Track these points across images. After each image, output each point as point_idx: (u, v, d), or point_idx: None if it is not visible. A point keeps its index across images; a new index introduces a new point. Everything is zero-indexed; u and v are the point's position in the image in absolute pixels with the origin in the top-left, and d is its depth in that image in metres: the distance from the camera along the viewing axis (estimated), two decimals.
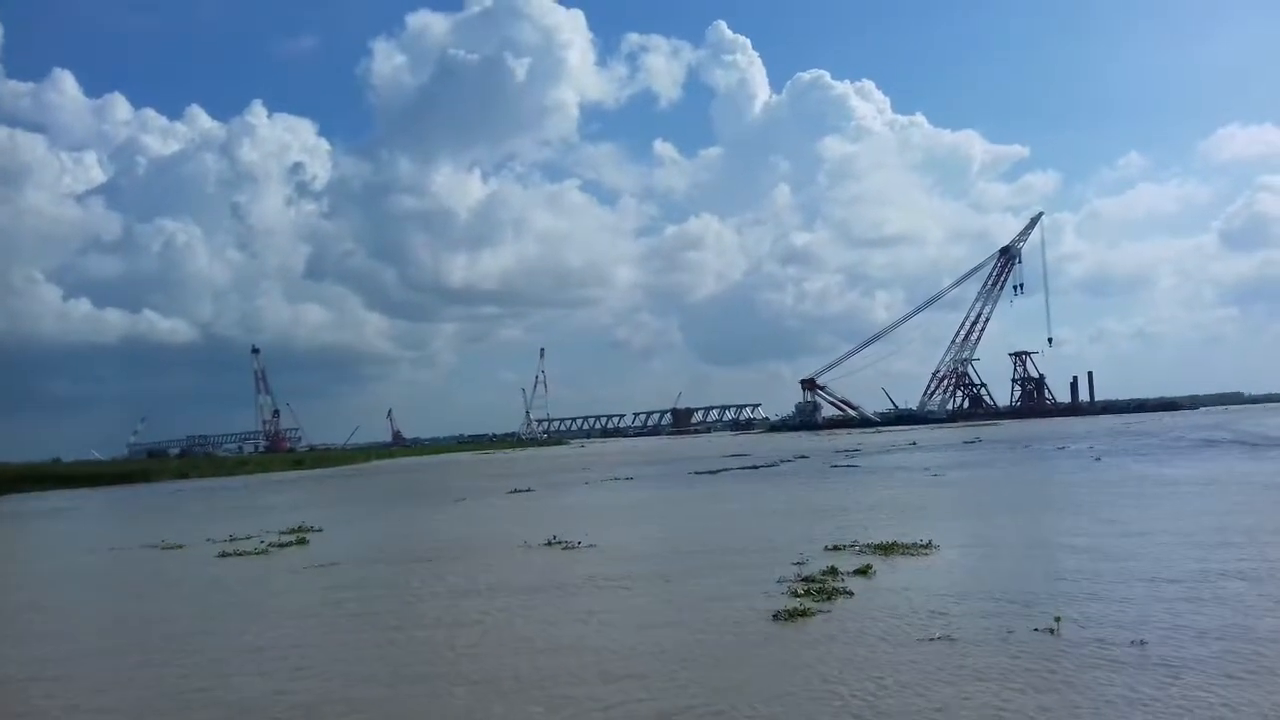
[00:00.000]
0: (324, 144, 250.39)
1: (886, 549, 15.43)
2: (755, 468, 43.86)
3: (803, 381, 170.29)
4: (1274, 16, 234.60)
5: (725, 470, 42.60)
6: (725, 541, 17.90)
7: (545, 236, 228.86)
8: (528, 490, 35.54)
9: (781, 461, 48.36)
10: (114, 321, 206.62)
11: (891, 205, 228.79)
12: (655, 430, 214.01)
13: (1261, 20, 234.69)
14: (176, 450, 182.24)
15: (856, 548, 15.80)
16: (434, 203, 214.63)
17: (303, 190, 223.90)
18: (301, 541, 21.27)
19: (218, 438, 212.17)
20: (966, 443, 63.55)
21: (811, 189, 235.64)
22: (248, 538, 22.13)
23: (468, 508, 30.22)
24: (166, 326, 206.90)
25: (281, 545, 20.71)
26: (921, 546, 15.51)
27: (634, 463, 59.73)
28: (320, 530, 23.58)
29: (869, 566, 13.79)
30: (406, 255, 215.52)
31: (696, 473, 41.85)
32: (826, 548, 15.90)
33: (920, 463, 41.28)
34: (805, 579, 13.07)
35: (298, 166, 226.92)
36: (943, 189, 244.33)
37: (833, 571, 13.49)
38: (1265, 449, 39.00)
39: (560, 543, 18.48)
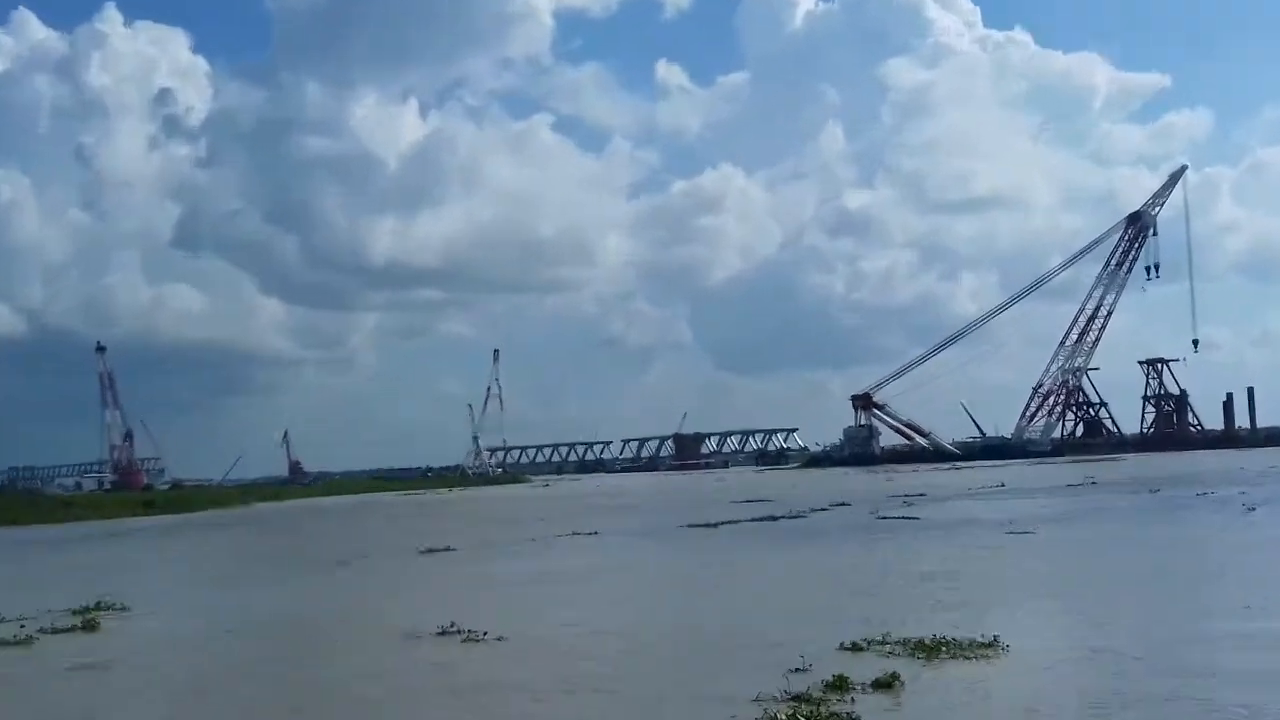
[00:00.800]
0: (201, 63, 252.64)
1: (929, 649, 14.29)
2: (773, 519, 42.77)
3: (855, 398, 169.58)
4: None
5: (731, 523, 41.48)
6: (697, 634, 16.89)
7: (506, 194, 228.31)
8: (447, 550, 34.55)
9: (812, 511, 47.24)
10: None
11: (982, 155, 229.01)
12: (652, 463, 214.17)
13: None
14: None
15: (886, 646, 14.67)
16: (353, 146, 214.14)
17: (172, 127, 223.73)
18: (90, 626, 20.04)
19: (49, 469, 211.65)
20: (1073, 486, 62.67)
21: (872, 131, 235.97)
22: (19, 619, 20.85)
23: (353, 576, 29.39)
24: None
25: (58, 631, 19.48)
26: (982, 646, 14.31)
27: (609, 509, 58.79)
28: (126, 609, 22.38)
29: (895, 677, 12.58)
30: (314, 218, 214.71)
31: (690, 526, 40.71)
32: (843, 645, 14.76)
33: (1004, 514, 40.17)
34: (796, 698, 11.84)
35: (165, 94, 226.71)
36: (1053, 133, 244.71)
37: (841, 684, 12.29)
38: None
39: (461, 632, 17.37)
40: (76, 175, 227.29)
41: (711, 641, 16.12)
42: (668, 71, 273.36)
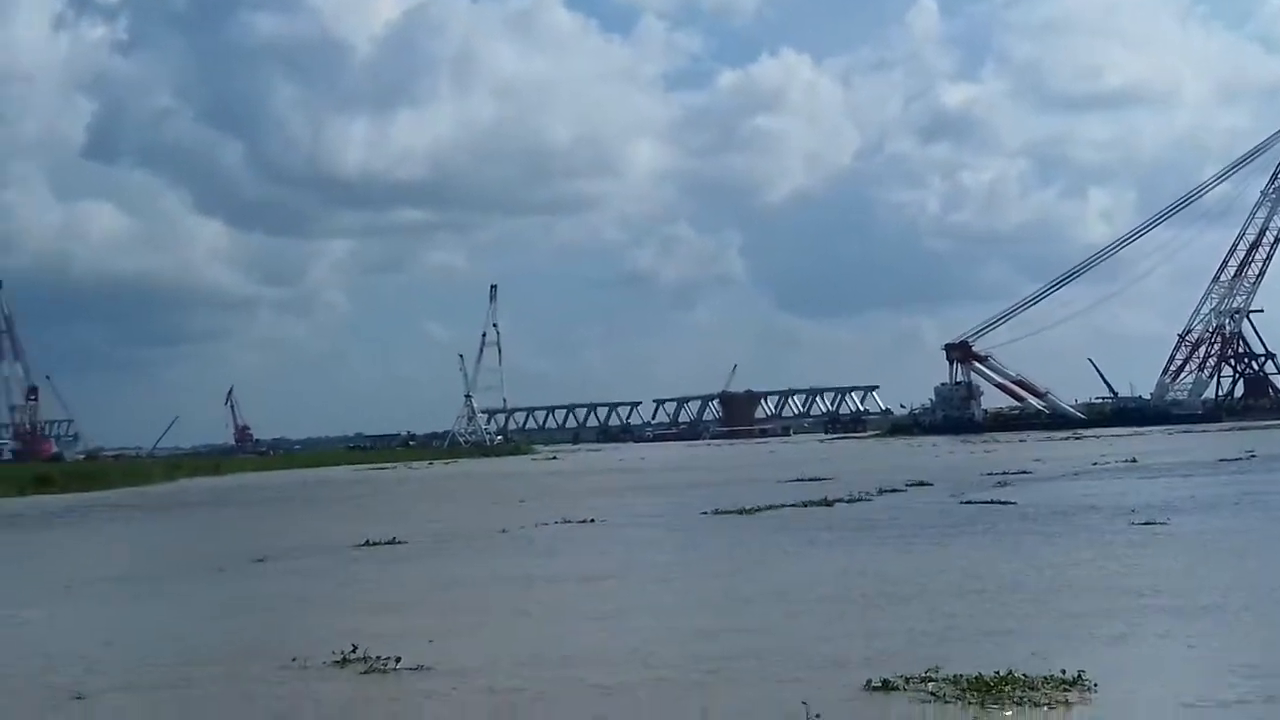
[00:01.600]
0: None
1: (987, 689, 13.20)
2: (826, 504, 41.68)
3: (949, 348, 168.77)
4: None
5: (772, 509, 40.52)
6: (681, 667, 15.80)
7: (508, 88, 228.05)
8: (391, 544, 33.90)
9: (881, 492, 46.29)
10: None
11: (1117, 36, 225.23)
12: (693, 429, 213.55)
13: None
14: None
15: (929, 684, 13.60)
16: (313, 27, 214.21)
17: (84, 2, 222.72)
18: None
19: None
20: (1227, 461, 61.38)
21: (976, 7, 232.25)
22: None
23: (259, 579, 28.59)
24: None
25: None
26: (1060, 685, 13.20)
27: (621, 489, 58.86)
28: None
29: None
30: (266, 119, 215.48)
31: (716, 513, 39.93)
32: (870, 684, 13.76)
33: (1130, 499, 38.93)
34: None
35: None
36: (1209, 8, 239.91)
37: None
38: None
39: (366, 660, 16.41)
40: None
41: (698, 678, 15.05)
42: None
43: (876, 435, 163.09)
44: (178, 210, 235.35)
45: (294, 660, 16.79)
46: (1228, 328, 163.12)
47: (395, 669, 15.94)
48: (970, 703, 12.78)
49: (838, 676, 14.30)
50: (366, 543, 33.78)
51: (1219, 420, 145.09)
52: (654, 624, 19.72)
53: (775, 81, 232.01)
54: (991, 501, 39.32)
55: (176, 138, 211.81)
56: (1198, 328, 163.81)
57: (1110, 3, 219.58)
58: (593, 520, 39.14)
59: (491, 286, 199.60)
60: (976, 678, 13.47)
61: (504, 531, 36.96)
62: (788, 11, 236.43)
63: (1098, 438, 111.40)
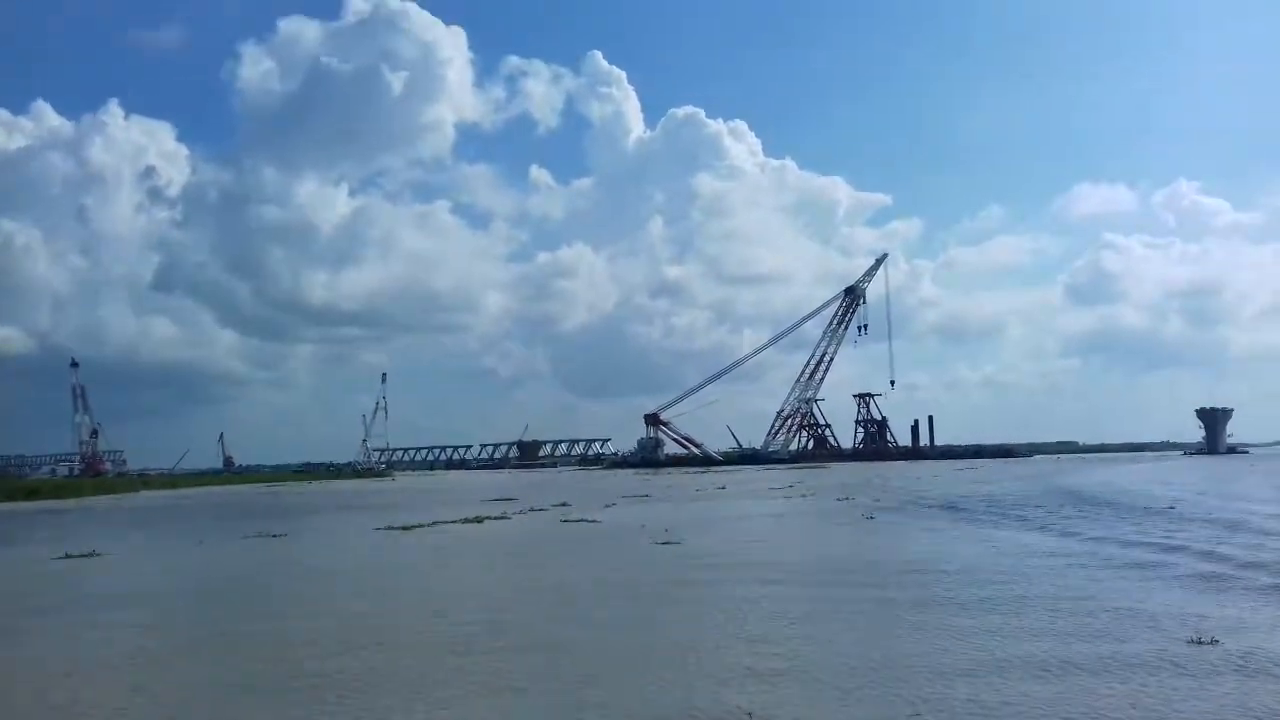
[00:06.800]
0: (182, 149, 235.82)
1: None
2: (477, 521, 34.15)
3: (646, 416, 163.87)
4: (1135, 78, 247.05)
5: (435, 525, 32.96)
6: None
7: (413, 257, 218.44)
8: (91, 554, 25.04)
9: (532, 510, 39.12)
10: None
11: (762, 244, 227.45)
12: (501, 463, 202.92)
13: (1123, 81, 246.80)
14: None
15: None
16: (296, 216, 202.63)
17: (155, 196, 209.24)
18: None
19: (35, 458, 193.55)
20: (774, 489, 56.21)
21: (684, 224, 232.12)
22: None
23: None
24: None
25: None
26: None
27: (386, 505, 50.28)
28: None
29: None
30: (264, 270, 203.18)
31: (387, 529, 31.94)
32: None
33: (684, 520, 32.74)
34: None
35: (150, 171, 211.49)
36: (811, 232, 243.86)
37: None
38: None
39: None
40: (78, 230, 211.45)
41: None
42: (538, 173, 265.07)
43: (603, 468, 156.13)
44: (207, 323, 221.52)
45: None
46: (803, 409, 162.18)
47: None
48: None
49: None
50: (64, 555, 25.06)
51: (798, 462, 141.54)
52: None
53: (570, 260, 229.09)
54: (582, 520, 32.31)
55: (208, 279, 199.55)
56: (787, 408, 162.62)
57: (758, 225, 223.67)
58: (285, 536, 30.77)
59: (383, 374, 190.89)
60: None
61: (201, 544, 28.54)
62: (579, 219, 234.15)
63: (724, 472, 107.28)
